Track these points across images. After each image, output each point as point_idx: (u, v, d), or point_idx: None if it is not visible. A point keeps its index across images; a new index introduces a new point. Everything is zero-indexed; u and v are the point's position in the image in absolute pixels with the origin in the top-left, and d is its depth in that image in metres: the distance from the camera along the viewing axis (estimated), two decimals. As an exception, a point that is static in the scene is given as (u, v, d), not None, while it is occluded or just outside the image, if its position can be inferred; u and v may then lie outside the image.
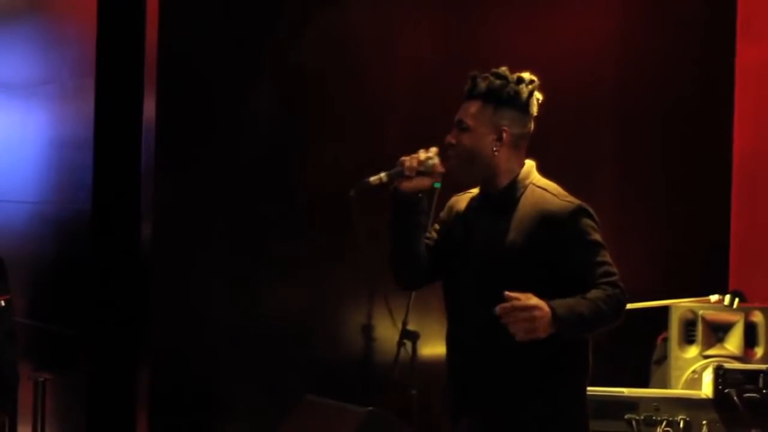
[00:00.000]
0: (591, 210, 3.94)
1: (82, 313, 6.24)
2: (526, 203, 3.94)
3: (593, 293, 3.79)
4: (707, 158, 7.02)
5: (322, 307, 6.12)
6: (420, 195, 4.03)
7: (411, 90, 6.29)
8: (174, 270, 5.91)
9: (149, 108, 5.94)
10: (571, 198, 3.96)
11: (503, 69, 4.01)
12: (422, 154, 3.99)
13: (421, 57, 6.33)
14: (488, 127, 3.95)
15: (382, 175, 4.00)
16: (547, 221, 3.88)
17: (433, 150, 4.01)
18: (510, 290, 3.72)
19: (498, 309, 3.68)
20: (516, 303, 3.67)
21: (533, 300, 3.68)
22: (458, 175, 4.02)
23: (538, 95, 4.01)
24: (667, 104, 6.92)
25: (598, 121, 6.79)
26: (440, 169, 3.99)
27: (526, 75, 4.00)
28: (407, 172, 3.97)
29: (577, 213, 3.90)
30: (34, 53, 6.89)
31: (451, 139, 4.00)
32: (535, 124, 4.03)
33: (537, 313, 3.67)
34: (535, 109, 4.01)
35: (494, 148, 3.95)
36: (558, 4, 6.71)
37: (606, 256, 3.88)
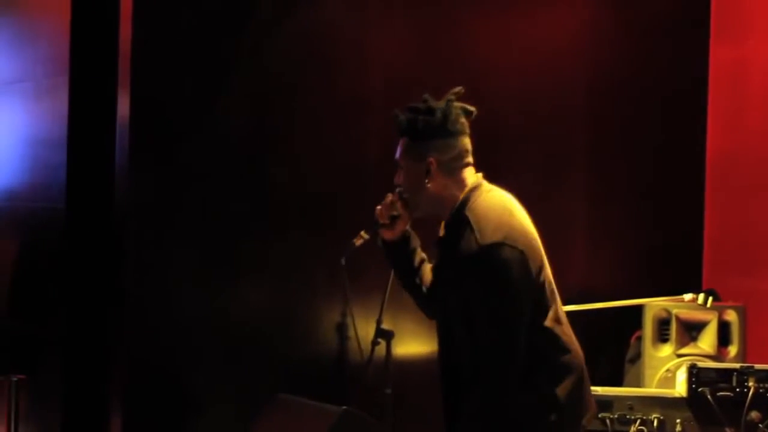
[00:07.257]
0: (501, 252, 3.79)
1: (55, 313, 6.22)
2: (456, 241, 3.90)
3: (467, 412, 3.86)
4: (681, 158, 7.03)
5: (296, 306, 6.11)
6: (407, 235, 4.12)
7: (383, 89, 6.28)
8: (148, 269, 5.89)
9: (123, 106, 5.92)
10: (487, 235, 3.82)
11: (423, 101, 3.98)
12: (388, 199, 4.05)
13: (393, 57, 6.33)
14: (415, 162, 3.97)
15: (363, 233, 4.13)
16: (459, 268, 3.88)
17: (391, 195, 4.05)
18: (450, 331, 3.91)
19: None
20: None
21: None
22: (412, 211, 4.06)
23: (457, 111, 3.94)
24: (640, 104, 6.93)
25: (570, 121, 6.79)
26: (400, 210, 4.04)
27: (440, 101, 3.95)
28: (381, 221, 4.06)
29: (482, 258, 3.80)
30: (8, 51, 6.86)
31: (396, 180, 4.06)
32: (473, 137, 4.00)
33: None
34: (459, 126, 3.95)
35: (426, 181, 3.95)
36: (529, 6, 6.71)
37: (495, 334, 3.79)
